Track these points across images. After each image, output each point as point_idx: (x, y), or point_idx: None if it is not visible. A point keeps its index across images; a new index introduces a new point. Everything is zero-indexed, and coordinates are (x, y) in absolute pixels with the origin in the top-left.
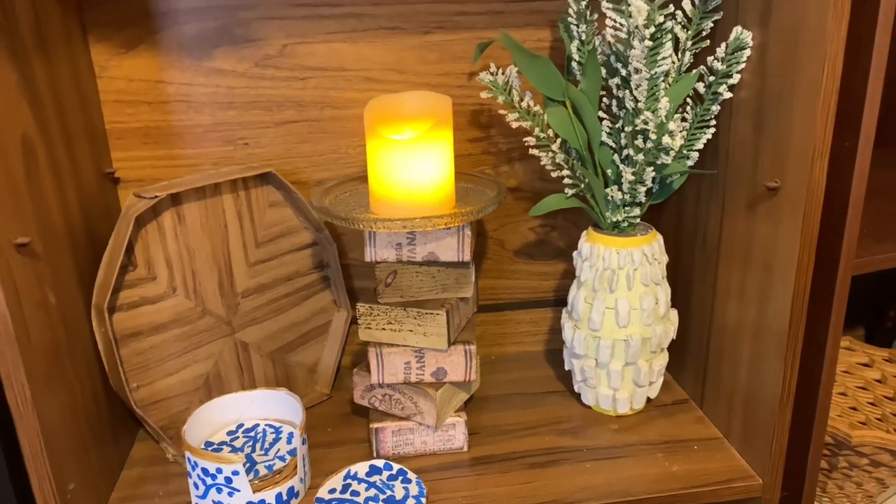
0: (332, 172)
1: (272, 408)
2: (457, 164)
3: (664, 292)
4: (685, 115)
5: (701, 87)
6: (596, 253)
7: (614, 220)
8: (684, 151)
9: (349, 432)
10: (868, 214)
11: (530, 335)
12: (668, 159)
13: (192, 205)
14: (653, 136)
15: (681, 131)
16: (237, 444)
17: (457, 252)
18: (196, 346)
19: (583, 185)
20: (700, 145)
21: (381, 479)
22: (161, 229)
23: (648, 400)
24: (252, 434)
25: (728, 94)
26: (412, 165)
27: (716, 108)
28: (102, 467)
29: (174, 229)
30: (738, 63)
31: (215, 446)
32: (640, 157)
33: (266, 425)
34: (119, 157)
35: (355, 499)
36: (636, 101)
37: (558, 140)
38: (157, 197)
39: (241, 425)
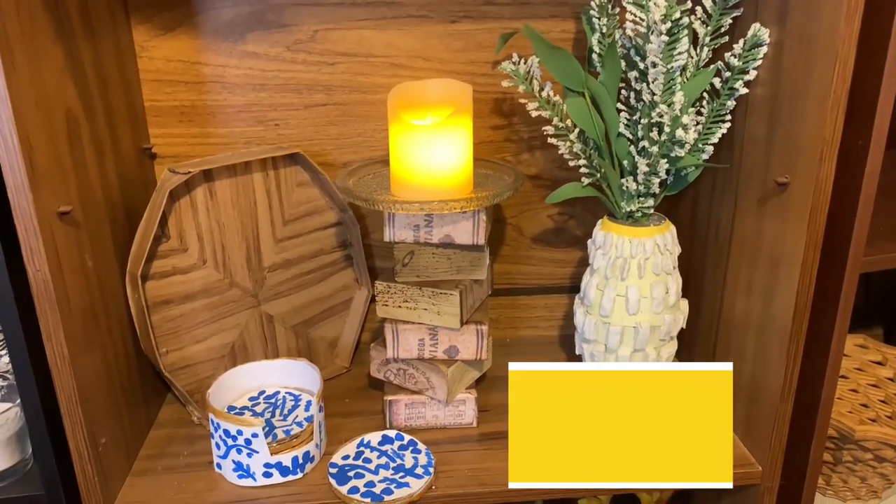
0: (357, 155)
1: (292, 377)
2: (479, 150)
3: (675, 282)
4: (701, 109)
5: (718, 82)
6: (609, 241)
7: (628, 209)
8: (699, 145)
9: (365, 404)
10: (885, 214)
11: (545, 320)
12: (681, 152)
13: (223, 181)
14: (667, 129)
15: (695, 125)
16: (258, 409)
17: (472, 235)
18: (223, 316)
19: (599, 175)
20: (715, 139)
21: (392, 449)
22: (193, 204)
23: None
24: (273, 401)
25: (744, 90)
26: (432, 150)
27: (731, 104)
28: (132, 426)
29: (206, 204)
30: (754, 60)
31: (237, 410)
32: (655, 149)
33: (286, 393)
34: (156, 133)
35: (367, 465)
36: (652, 94)
37: (576, 130)
38: (190, 172)
39: (262, 392)
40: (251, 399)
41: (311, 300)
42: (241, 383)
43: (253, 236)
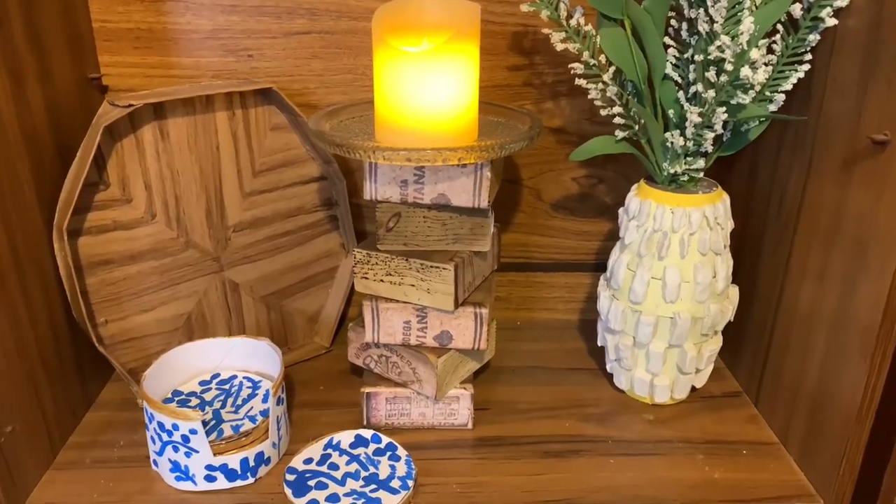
0: (346, 95)
1: (253, 359)
2: (493, 96)
3: (725, 264)
4: (773, 45)
5: (797, 10)
6: (646, 210)
7: (672, 171)
8: (767, 93)
9: (343, 393)
10: None
11: (564, 302)
12: (745, 99)
13: (178, 120)
14: (729, 68)
15: (766, 64)
16: (208, 396)
17: (472, 196)
18: (177, 282)
19: (637, 127)
20: (788, 86)
21: (366, 453)
22: (140, 145)
23: (693, 389)
24: (227, 387)
25: (832, 21)
26: (426, 85)
27: (814, 39)
28: (59, 408)
29: (155, 146)
30: None
31: (183, 397)
32: (711, 93)
33: (244, 378)
34: (107, 61)
35: (333, 473)
36: (712, 21)
37: (611, 69)
38: (132, 105)
39: (216, 375)
40: (202, 383)
41: (287, 267)
42: (193, 364)
43: (215, 188)
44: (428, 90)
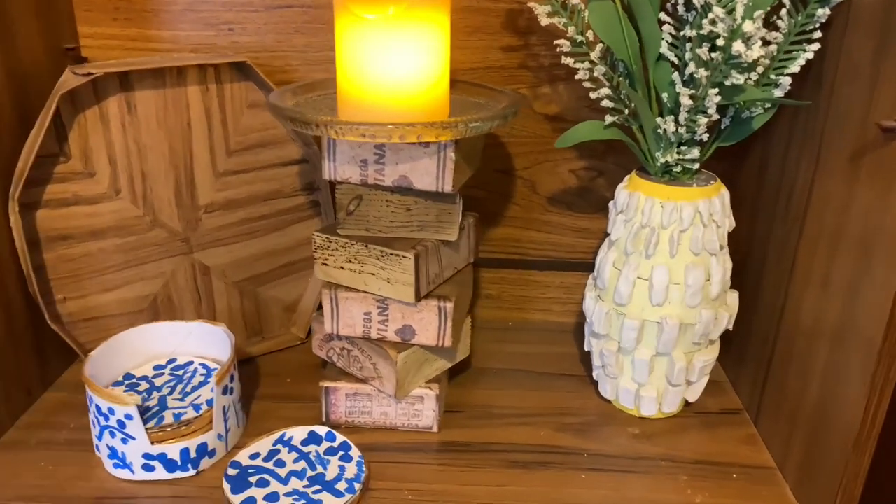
0: (330, 73)
1: (210, 345)
2: (486, 78)
3: (720, 266)
4: (779, 21)
5: None
6: (634, 204)
7: (664, 161)
8: (772, 76)
9: (310, 388)
10: None
11: (560, 303)
12: (740, 79)
13: (147, 93)
14: (721, 43)
15: (764, 44)
16: (158, 382)
17: (435, 179)
18: (142, 262)
19: (627, 112)
20: (795, 68)
21: (316, 451)
22: (104, 117)
23: (687, 403)
24: (180, 373)
25: None
26: (388, 56)
27: (823, 14)
28: (8, 386)
29: (121, 119)
30: None
31: (134, 380)
32: (703, 72)
33: (200, 364)
34: (87, 32)
35: (277, 470)
36: None
37: (599, 47)
38: (91, 74)
39: (172, 360)
40: (157, 368)
41: (263, 252)
42: (147, 347)
43: (185, 166)
44: (391, 61)
